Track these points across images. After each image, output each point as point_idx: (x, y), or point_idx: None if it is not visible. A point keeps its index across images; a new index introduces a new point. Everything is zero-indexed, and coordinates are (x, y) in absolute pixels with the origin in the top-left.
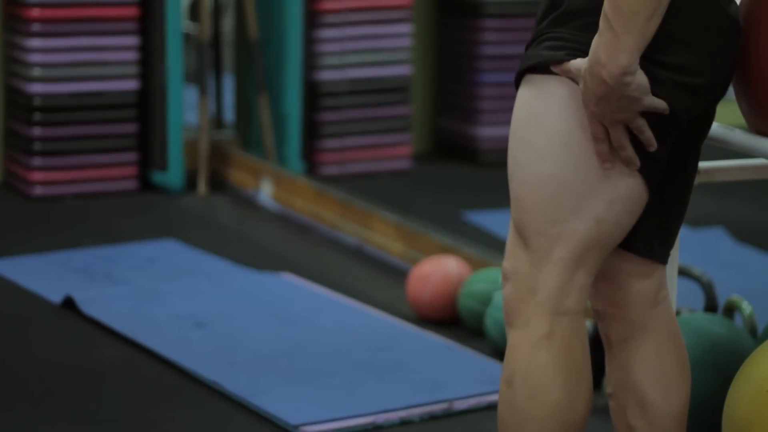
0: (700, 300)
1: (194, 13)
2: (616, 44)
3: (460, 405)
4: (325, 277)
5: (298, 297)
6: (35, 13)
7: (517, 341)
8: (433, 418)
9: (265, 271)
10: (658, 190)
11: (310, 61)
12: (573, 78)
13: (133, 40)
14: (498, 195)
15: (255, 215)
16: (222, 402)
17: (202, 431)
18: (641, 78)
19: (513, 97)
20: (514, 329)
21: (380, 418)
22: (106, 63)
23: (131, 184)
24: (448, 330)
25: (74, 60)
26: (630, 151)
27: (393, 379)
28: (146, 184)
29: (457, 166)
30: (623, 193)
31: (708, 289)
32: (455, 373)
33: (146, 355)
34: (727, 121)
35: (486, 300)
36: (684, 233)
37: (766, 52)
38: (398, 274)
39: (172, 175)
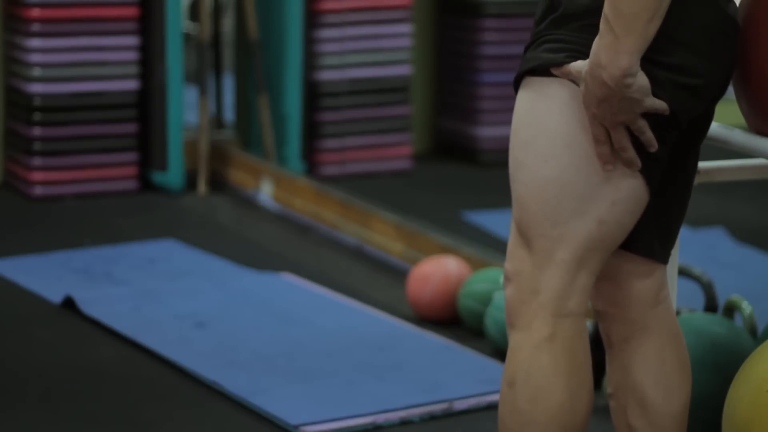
0: (700, 300)
1: (194, 13)
2: (617, 46)
3: (460, 405)
4: (325, 277)
5: (298, 297)
6: (35, 13)
7: (518, 343)
8: (433, 418)
9: (265, 271)
10: (658, 190)
11: (310, 61)
12: (573, 80)
13: (133, 40)
14: (498, 195)
15: (255, 215)
16: (222, 402)
17: (202, 431)
18: (642, 79)
19: (513, 98)
20: (516, 331)
21: (380, 418)
22: (106, 63)
23: (131, 184)
24: (448, 330)
25: (74, 60)
26: (631, 153)
27: (393, 379)
28: (146, 184)
29: (457, 166)
30: (625, 194)
31: (708, 289)
32: (455, 373)
33: (146, 355)
34: (727, 121)
35: (486, 300)
36: (684, 233)
37: (766, 52)
38: (398, 274)
39: (172, 175)
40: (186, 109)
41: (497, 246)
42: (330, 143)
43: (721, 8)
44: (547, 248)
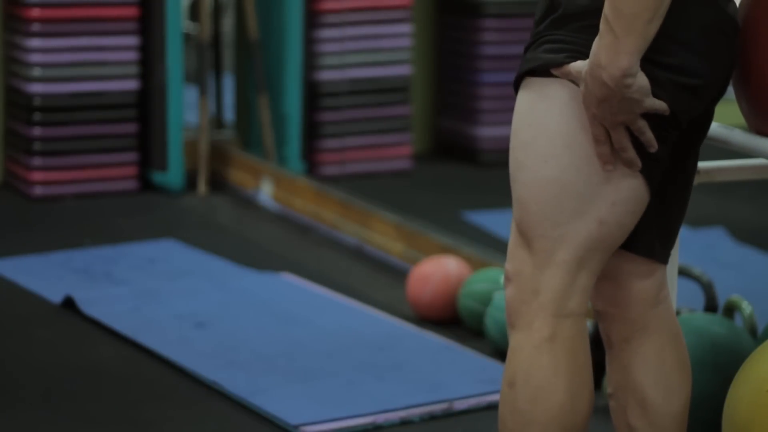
0: (700, 300)
1: (194, 13)
2: (617, 46)
3: (460, 405)
4: (325, 277)
5: (298, 297)
6: (35, 13)
7: (519, 343)
8: (433, 418)
9: (265, 271)
10: (658, 191)
11: (310, 61)
12: (573, 80)
13: (133, 40)
14: (498, 195)
15: (255, 215)
16: (222, 402)
17: (201, 431)
18: (642, 80)
19: (513, 97)
20: (517, 331)
21: (380, 418)
22: (106, 63)
23: (131, 184)
24: (448, 330)
25: (74, 60)
26: (631, 153)
27: (393, 379)
28: (146, 184)
29: (457, 166)
30: (625, 194)
31: (708, 289)
32: (455, 373)
33: (146, 355)
34: (727, 121)
35: (486, 300)
36: (684, 233)
37: (766, 52)
38: (398, 274)
39: (172, 175)
40: (186, 109)
41: (497, 246)
42: (330, 143)
43: (721, 8)
44: (547, 248)
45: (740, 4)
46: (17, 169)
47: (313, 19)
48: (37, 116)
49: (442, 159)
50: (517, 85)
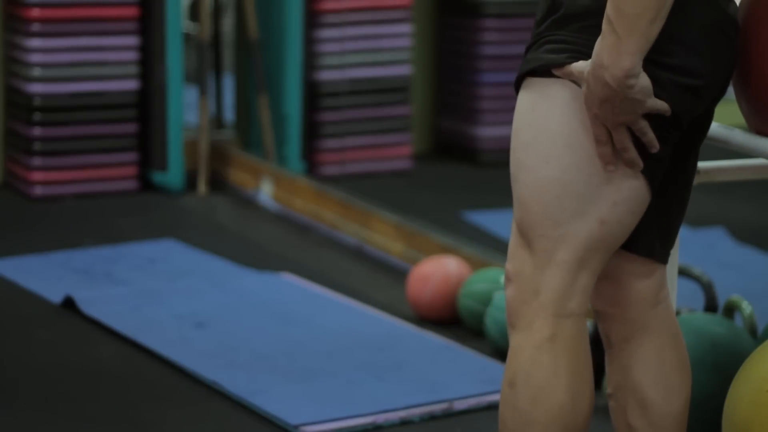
0: (700, 300)
1: (194, 13)
2: (619, 47)
3: (460, 405)
4: (325, 277)
5: (298, 297)
6: (35, 13)
7: (519, 343)
8: (433, 418)
9: (265, 271)
10: (659, 191)
11: (310, 61)
12: (575, 81)
13: (133, 40)
14: (498, 195)
15: (255, 215)
16: (222, 402)
17: (201, 431)
18: (644, 80)
19: (513, 97)
20: (517, 331)
21: (380, 418)
22: (106, 63)
23: (131, 184)
24: (448, 330)
25: (74, 60)
26: (633, 153)
27: (393, 379)
28: (146, 184)
29: (457, 166)
30: (626, 195)
31: (708, 289)
32: (455, 373)
33: (146, 355)
34: (727, 121)
35: (486, 300)
36: (684, 233)
37: (766, 52)
38: (398, 274)
39: (172, 175)
40: (186, 109)
41: (497, 246)
42: (330, 143)
43: (722, 8)
44: (548, 249)
45: (740, 4)
46: (17, 169)
47: (313, 19)
48: (37, 116)
49: (442, 159)
50: (518, 86)
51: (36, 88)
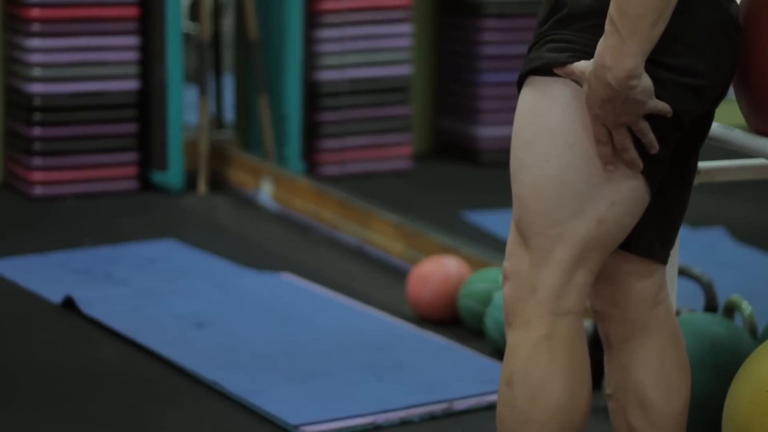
0: (700, 300)
1: (194, 13)
2: (622, 48)
3: (460, 405)
4: (325, 277)
5: (298, 297)
6: (35, 13)
7: (516, 341)
8: (433, 418)
9: (265, 271)
10: (659, 191)
11: (310, 61)
12: (576, 80)
13: (133, 40)
14: (498, 195)
15: (255, 215)
16: (222, 402)
17: (201, 431)
18: (646, 81)
19: (513, 97)
20: (514, 329)
21: (380, 418)
22: (106, 63)
23: (131, 184)
24: (448, 330)
25: (74, 60)
26: (633, 154)
27: (393, 379)
28: (146, 184)
29: (457, 166)
30: (625, 195)
31: (708, 289)
32: (455, 373)
33: (146, 355)
34: (727, 121)
35: (486, 300)
36: (684, 233)
37: (766, 52)
38: (398, 274)
39: (172, 175)
40: (186, 109)
41: (497, 246)
42: (330, 143)
43: (724, 9)
44: (545, 247)
45: (741, 4)
46: (17, 169)
47: (313, 19)
48: (37, 116)
49: (442, 159)
50: (520, 85)
51: (36, 88)
